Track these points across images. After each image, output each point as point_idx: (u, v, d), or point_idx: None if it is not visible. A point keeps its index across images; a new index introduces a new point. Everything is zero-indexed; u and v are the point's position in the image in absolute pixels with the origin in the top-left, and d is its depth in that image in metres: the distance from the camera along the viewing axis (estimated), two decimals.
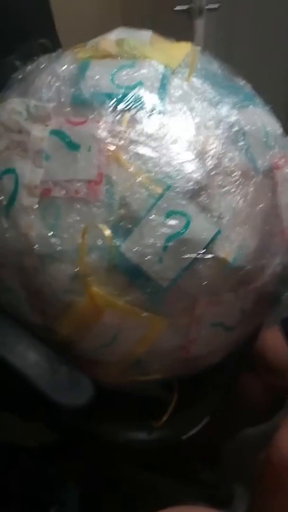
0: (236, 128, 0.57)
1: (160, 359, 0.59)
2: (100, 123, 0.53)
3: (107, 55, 0.58)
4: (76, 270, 0.52)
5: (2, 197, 0.55)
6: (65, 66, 0.58)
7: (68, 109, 0.54)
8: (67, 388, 0.56)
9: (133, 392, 0.65)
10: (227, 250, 0.53)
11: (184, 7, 1.09)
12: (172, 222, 0.51)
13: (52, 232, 0.52)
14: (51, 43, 0.77)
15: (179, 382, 0.66)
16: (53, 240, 0.52)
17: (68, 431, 0.71)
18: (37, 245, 0.53)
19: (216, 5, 1.11)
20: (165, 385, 0.67)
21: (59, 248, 0.52)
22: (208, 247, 0.52)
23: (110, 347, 0.57)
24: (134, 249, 0.51)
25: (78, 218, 0.52)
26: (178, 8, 1.10)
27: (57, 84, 0.56)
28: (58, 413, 0.60)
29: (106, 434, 0.66)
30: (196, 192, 0.52)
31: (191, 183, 0.52)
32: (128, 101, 0.54)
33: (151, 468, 0.96)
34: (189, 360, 0.60)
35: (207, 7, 1.08)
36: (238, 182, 0.54)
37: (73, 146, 0.53)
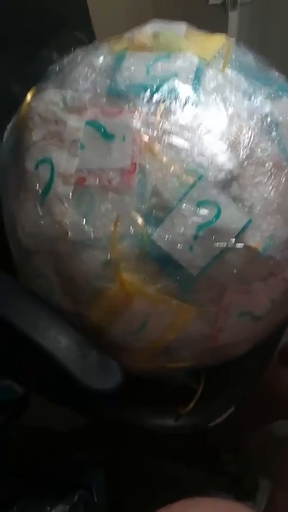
0: (269, 119, 0.57)
1: (188, 347, 0.60)
2: (135, 114, 0.54)
3: (142, 47, 0.59)
4: (108, 257, 0.54)
5: (38, 186, 0.57)
6: (102, 58, 0.59)
7: (104, 100, 0.56)
8: (97, 372, 0.57)
9: (161, 379, 0.66)
10: (257, 240, 0.53)
11: (219, 0, 1.09)
12: (203, 211, 0.52)
13: (85, 220, 0.54)
14: (86, 36, 0.78)
15: (206, 371, 0.67)
16: (86, 227, 0.54)
17: (96, 416, 0.73)
18: (70, 232, 0.55)
19: None
20: (192, 373, 0.68)
21: (92, 235, 0.54)
22: (239, 236, 0.53)
23: (139, 333, 0.58)
24: (166, 237, 0.52)
25: (111, 206, 0.53)
26: (212, 2, 1.10)
27: (93, 76, 0.58)
28: (87, 396, 0.62)
29: (133, 419, 0.67)
30: (228, 182, 0.53)
31: (223, 173, 0.52)
32: (162, 92, 0.54)
33: (176, 457, 0.97)
34: (217, 349, 0.61)
35: (241, 0, 1.08)
36: (270, 172, 0.55)
37: (108, 136, 0.54)
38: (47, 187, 0.56)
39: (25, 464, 0.71)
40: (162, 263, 0.53)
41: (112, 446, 0.91)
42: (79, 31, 0.80)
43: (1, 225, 0.65)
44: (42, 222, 0.57)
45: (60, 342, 0.57)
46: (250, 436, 0.98)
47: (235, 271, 0.54)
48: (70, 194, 0.55)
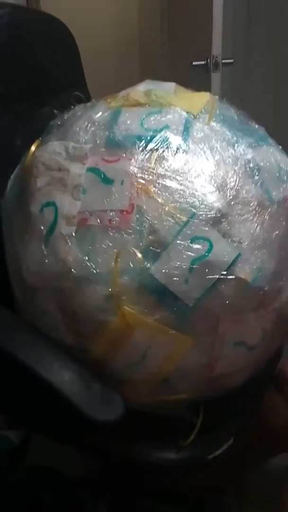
0: (251, 164, 0.63)
1: (187, 378, 0.63)
2: (132, 161, 0.59)
3: (136, 104, 0.66)
4: (109, 291, 0.57)
5: (43, 227, 0.62)
6: (100, 113, 0.66)
7: (103, 149, 0.62)
8: (100, 404, 0.59)
9: (161, 413, 0.68)
10: (247, 272, 0.58)
11: (202, 62, 1.19)
12: (197, 246, 0.57)
13: (88, 257, 0.58)
14: (84, 95, 0.86)
15: (205, 404, 0.69)
16: (88, 264, 0.58)
17: (97, 452, 0.74)
18: (74, 269, 0.58)
19: (231, 60, 1.21)
20: (191, 406, 0.70)
21: (94, 271, 0.58)
22: (230, 269, 0.57)
23: (140, 365, 0.61)
24: (163, 271, 0.56)
25: (111, 244, 0.58)
26: (196, 63, 1.20)
27: (92, 129, 0.64)
28: (89, 430, 0.63)
29: (134, 454, 0.68)
30: (218, 220, 0.58)
31: (213, 212, 0.58)
32: (156, 142, 0.61)
33: (173, 500, 0.96)
34: (214, 379, 0.64)
35: (223, 61, 1.18)
36: (255, 211, 0.60)
37: (107, 181, 0.59)
38: (51, 228, 0.61)
39: (29, 505, 0.70)
40: (160, 295, 0.57)
41: (114, 488, 0.90)
42: (76, 91, 0.88)
43: (2, 268, 0.69)
44: (46, 260, 0.61)
45: (63, 376, 0.59)
46: (248, 474, 0.98)
47: (227, 301, 0.58)
48: (73, 233, 0.59)
